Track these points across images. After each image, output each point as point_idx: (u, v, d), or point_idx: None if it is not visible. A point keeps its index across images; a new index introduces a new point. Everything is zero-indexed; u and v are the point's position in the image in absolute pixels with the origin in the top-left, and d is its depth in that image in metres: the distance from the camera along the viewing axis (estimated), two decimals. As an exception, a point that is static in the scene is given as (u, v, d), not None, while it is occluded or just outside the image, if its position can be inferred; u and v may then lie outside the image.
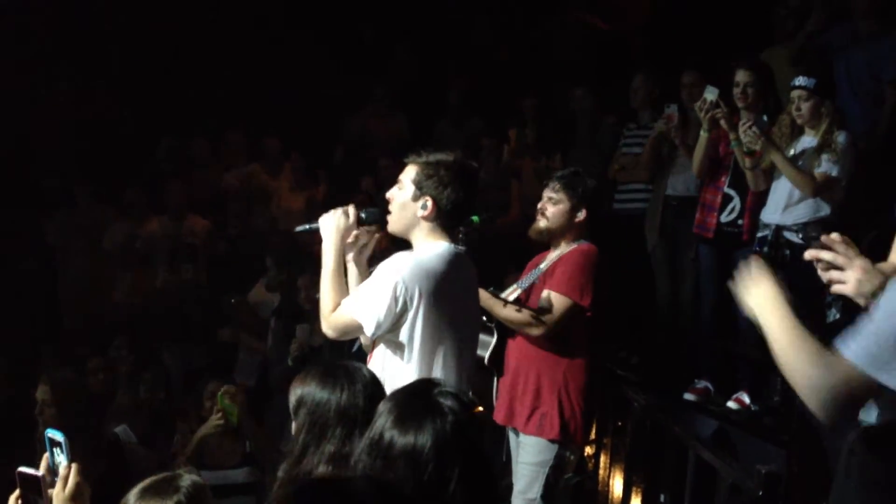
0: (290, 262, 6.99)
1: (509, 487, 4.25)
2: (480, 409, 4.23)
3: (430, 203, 3.25)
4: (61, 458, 2.49)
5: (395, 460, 1.94)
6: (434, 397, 2.03)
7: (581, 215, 4.20)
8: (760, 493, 3.37)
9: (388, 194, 3.39)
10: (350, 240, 3.36)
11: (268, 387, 6.57)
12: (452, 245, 3.28)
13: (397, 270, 3.15)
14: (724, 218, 5.08)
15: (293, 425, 2.62)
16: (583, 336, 4.13)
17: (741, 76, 4.92)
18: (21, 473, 2.51)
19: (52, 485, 2.49)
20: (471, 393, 3.39)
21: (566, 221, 4.20)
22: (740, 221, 5.03)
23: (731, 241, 5.07)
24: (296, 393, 2.60)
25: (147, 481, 2.45)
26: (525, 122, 7.52)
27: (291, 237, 7.12)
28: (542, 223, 4.24)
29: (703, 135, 5.07)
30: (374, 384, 2.60)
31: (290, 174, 8.14)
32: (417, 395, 2.08)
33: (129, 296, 7.65)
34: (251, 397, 6.48)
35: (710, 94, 4.91)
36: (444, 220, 3.28)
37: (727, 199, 5.09)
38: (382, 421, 2.01)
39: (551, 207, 4.21)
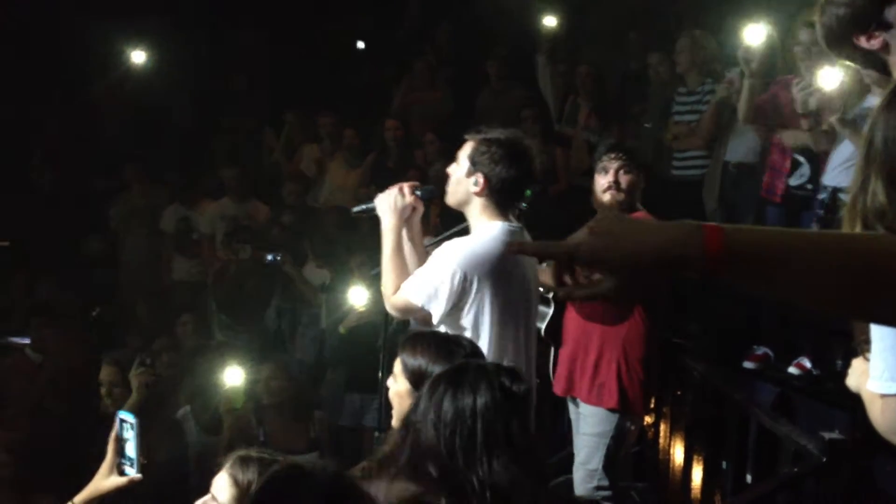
0: (334, 240, 7.00)
1: (570, 457, 4.28)
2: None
3: (481, 179, 3.30)
4: (130, 436, 2.57)
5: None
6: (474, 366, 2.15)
7: (642, 183, 4.18)
8: (825, 460, 3.35)
9: (448, 169, 3.44)
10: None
11: (323, 362, 6.63)
12: (507, 224, 3.31)
13: (454, 259, 3.20)
14: (793, 182, 5.02)
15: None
16: (641, 305, 4.09)
17: (804, 35, 4.78)
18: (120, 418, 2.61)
19: (120, 466, 2.59)
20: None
21: (638, 191, 4.15)
22: (809, 186, 4.96)
23: (801, 205, 5.01)
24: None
25: (239, 452, 2.43)
26: (578, 91, 7.40)
27: (335, 215, 7.18)
28: (619, 196, 4.09)
29: (747, 82, 4.98)
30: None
31: (343, 152, 8.10)
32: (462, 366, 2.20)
33: (188, 276, 7.80)
34: (309, 374, 6.58)
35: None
36: (497, 196, 3.31)
37: (796, 164, 5.02)
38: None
39: (626, 177, 4.10)
